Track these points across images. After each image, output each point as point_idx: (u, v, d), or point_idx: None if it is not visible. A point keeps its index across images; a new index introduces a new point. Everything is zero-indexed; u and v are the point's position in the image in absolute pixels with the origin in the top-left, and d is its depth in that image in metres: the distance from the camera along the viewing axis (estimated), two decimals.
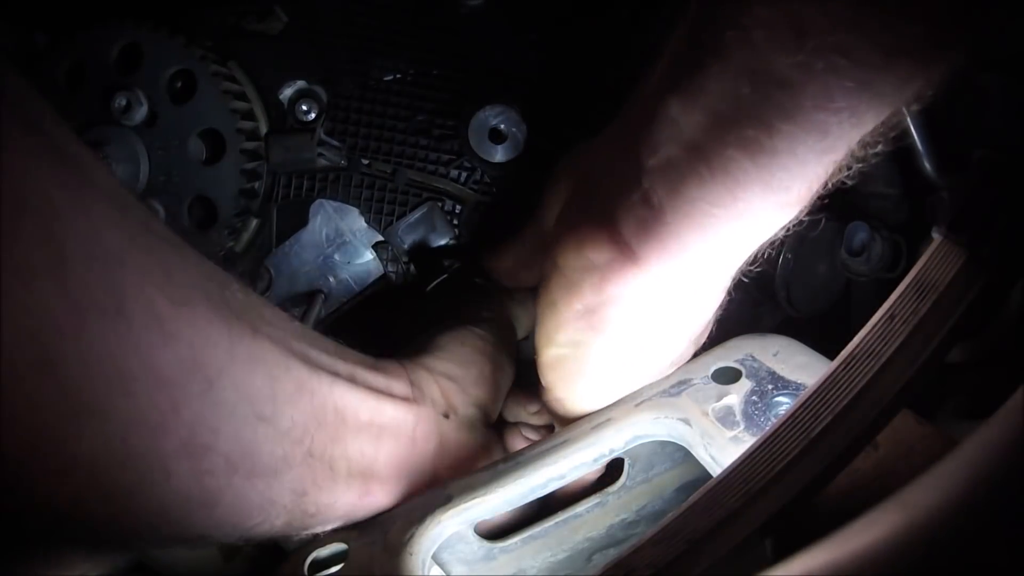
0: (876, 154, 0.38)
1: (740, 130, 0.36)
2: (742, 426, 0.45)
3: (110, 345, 0.32)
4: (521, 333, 0.63)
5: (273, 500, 0.41)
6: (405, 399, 0.51)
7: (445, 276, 0.62)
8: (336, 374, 0.47)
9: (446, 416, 0.54)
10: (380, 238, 0.63)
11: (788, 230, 0.42)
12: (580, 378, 0.49)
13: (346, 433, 0.46)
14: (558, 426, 0.54)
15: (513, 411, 0.61)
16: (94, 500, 0.34)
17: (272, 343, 0.42)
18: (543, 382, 0.52)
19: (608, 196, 0.43)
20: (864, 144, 0.38)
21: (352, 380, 0.48)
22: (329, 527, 0.48)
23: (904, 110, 0.52)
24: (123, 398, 0.33)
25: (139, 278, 0.34)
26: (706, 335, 0.51)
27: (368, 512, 0.49)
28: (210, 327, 0.37)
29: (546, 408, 0.54)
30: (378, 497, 0.49)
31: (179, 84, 0.59)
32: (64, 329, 0.30)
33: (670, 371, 0.51)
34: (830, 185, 0.39)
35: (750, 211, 0.39)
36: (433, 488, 0.50)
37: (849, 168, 0.39)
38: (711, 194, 0.39)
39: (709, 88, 0.37)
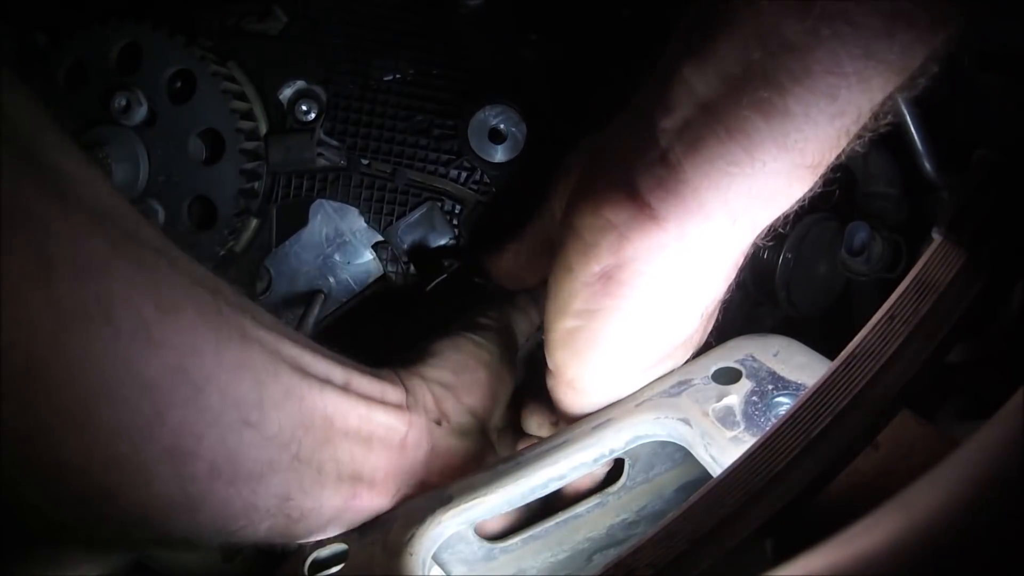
0: (888, 124, 0.40)
1: (753, 92, 0.38)
2: (742, 426, 0.45)
3: (96, 353, 0.32)
4: (521, 339, 0.63)
5: (256, 505, 0.41)
6: (398, 406, 0.51)
7: (445, 276, 0.62)
8: (327, 380, 0.47)
9: (438, 423, 0.54)
10: (380, 238, 0.63)
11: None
12: (593, 353, 0.48)
13: (335, 437, 0.46)
14: (565, 424, 0.54)
15: (530, 423, 0.59)
16: (76, 504, 0.34)
17: (261, 348, 0.42)
18: (552, 366, 0.51)
19: (625, 158, 0.44)
20: (875, 114, 0.39)
21: (345, 387, 0.48)
22: (315, 536, 0.48)
23: (902, 105, 0.53)
24: (108, 405, 0.33)
25: (125, 286, 0.34)
26: (715, 315, 0.50)
27: (355, 518, 0.49)
28: (197, 333, 0.37)
29: (553, 399, 0.53)
30: (365, 502, 0.48)
31: (179, 84, 0.59)
32: (50, 337, 0.30)
33: (680, 355, 0.50)
34: (843, 156, 0.41)
35: (767, 171, 0.40)
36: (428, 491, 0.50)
37: (860, 138, 0.40)
38: (729, 153, 0.40)
39: (721, 52, 0.39)
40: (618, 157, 0.44)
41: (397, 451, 0.51)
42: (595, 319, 0.47)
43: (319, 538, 0.49)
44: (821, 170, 0.41)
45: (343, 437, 0.47)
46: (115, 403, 0.33)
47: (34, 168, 0.32)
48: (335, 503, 0.46)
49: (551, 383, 0.53)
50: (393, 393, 0.52)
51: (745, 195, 0.41)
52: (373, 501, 0.49)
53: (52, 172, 0.33)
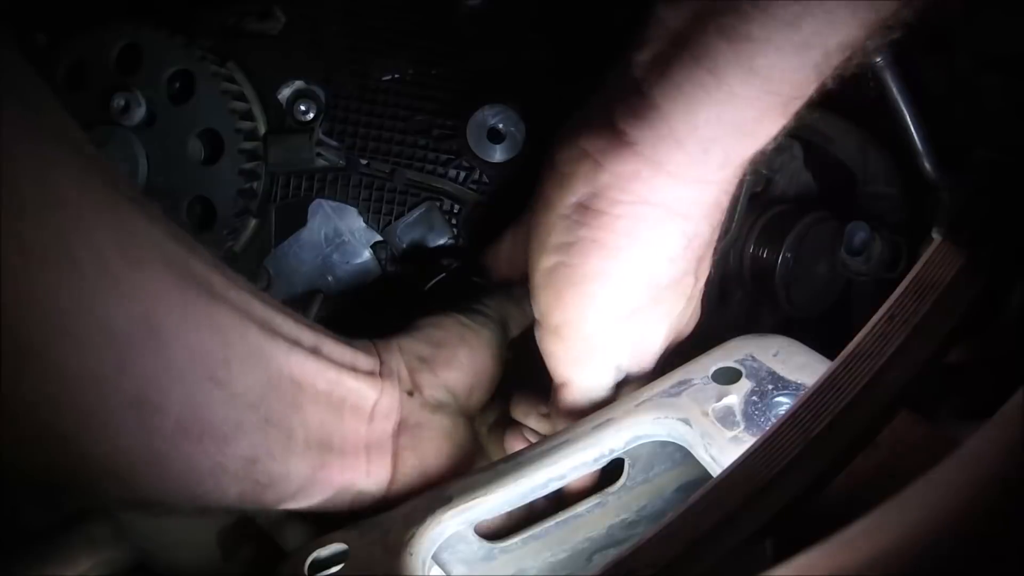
0: (869, 64, 0.41)
1: (718, 18, 0.39)
2: (742, 426, 0.45)
3: (57, 292, 0.32)
4: (515, 331, 0.61)
5: (224, 466, 0.41)
6: (369, 373, 0.51)
7: (444, 276, 0.62)
8: (296, 342, 0.46)
9: (410, 394, 0.53)
10: (379, 238, 0.63)
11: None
12: (575, 292, 0.47)
13: (303, 401, 0.46)
14: (560, 399, 0.53)
15: (521, 410, 0.59)
16: (33, 445, 0.35)
17: (231, 307, 0.42)
18: (537, 315, 0.51)
19: (600, 95, 0.46)
20: (848, 56, 0.40)
21: (315, 350, 0.48)
22: (286, 505, 0.47)
23: (902, 105, 0.53)
24: (71, 347, 0.33)
25: (89, 226, 0.34)
26: (707, 262, 0.50)
27: (323, 491, 0.48)
28: (165, 288, 0.38)
29: (544, 356, 0.53)
30: (334, 473, 0.48)
31: (178, 84, 0.59)
32: (10, 270, 0.31)
33: (672, 300, 0.49)
34: (821, 91, 0.41)
35: (735, 99, 0.41)
36: (432, 488, 0.50)
37: (840, 77, 0.41)
38: (696, 78, 0.41)
39: None
40: (597, 96, 0.46)
41: (366, 420, 0.50)
42: (574, 253, 0.46)
43: (291, 508, 0.48)
44: (793, 107, 0.42)
45: (312, 402, 0.46)
46: (78, 347, 0.33)
47: (12, 102, 0.32)
48: (303, 471, 0.46)
49: (539, 336, 0.52)
50: (365, 360, 0.52)
51: (715, 122, 0.42)
52: (343, 473, 0.49)
53: (31, 111, 0.34)
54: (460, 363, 0.56)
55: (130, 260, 0.36)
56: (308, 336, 0.48)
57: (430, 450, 0.53)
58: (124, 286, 0.35)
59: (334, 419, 0.48)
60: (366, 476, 0.50)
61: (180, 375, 0.38)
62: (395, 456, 0.51)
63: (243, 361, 0.42)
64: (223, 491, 0.42)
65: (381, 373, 0.52)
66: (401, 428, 0.52)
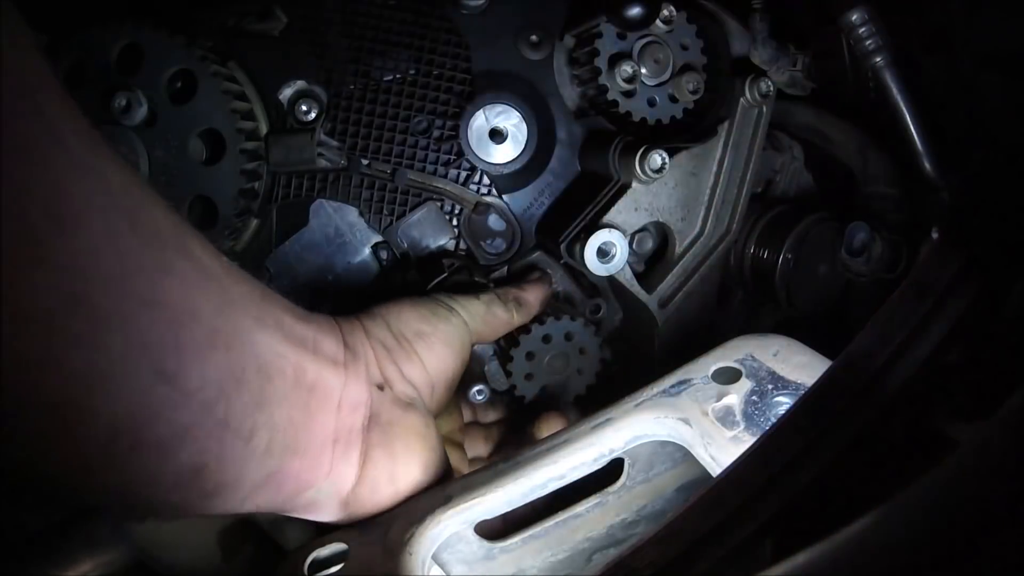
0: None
1: None
2: (742, 426, 0.45)
3: None
4: (495, 331, 0.60)
5: (163, 476, 0.35)
6: (333, 360, 0.46)
7: (445, 276, 0.62)
8: (259, 320, 0.40)
9: (380, 388, 0.49)
10: (380, 238, 0.63)
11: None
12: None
13: (271, 396, 0.40)
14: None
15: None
16: None
17: (181, 281, 0.35)
18: None
19: None
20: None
21: (279, 329, 0.42)
22: (226, 511, 0.42)
23: (902, 105, 0.52)
24: None
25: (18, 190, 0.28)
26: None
27: (275, 496, 0.43)
28: (100, 256, 0.31)
29: None
30: (290, 477, 0.43)
31: (179, 84, 0.59)
32: None
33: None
34: None
35: None
36: (431, 489, 0.50)
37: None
38: None
39: None
40: None
41: (334, 411, 0.45)
42: None
43: (231, 513, 0.44)
44: None
45: (280, 397, 0.41)
46: None
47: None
48: (257, 477, 0.41)
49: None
50: (328, 343, 0.47)
51: None
52: (302, 475, 0.44)
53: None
54: (420, 359, 0.52)
55: (55, 218, 0.28)
56: (270, 310, 0.42)
57: (401, 450, 0.49)
58: (46, 249, 0.28)
59: (302, 414, 0.43)
60: (326, 476, 0.46)
61: (116, 368, 0.31)
62: (364, 454, 0.47)
63: (198, 348, 0.35)
64: (158, 501, 0.37)
65: (345, 361, 0.48)
66: (371, 424, 0.48)
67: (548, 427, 0.59)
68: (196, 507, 0.40)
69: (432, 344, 0.53)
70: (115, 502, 0.37)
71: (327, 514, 0.48)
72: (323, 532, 0.49)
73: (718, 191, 0.65)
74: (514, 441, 0.62)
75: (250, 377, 0.39)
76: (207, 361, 0.36)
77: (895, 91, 0.56)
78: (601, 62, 0.61)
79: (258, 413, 0.39)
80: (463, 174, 0.63)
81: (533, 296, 0.62)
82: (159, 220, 0.35)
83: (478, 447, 0.63)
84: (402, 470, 0.49)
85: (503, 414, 0.67)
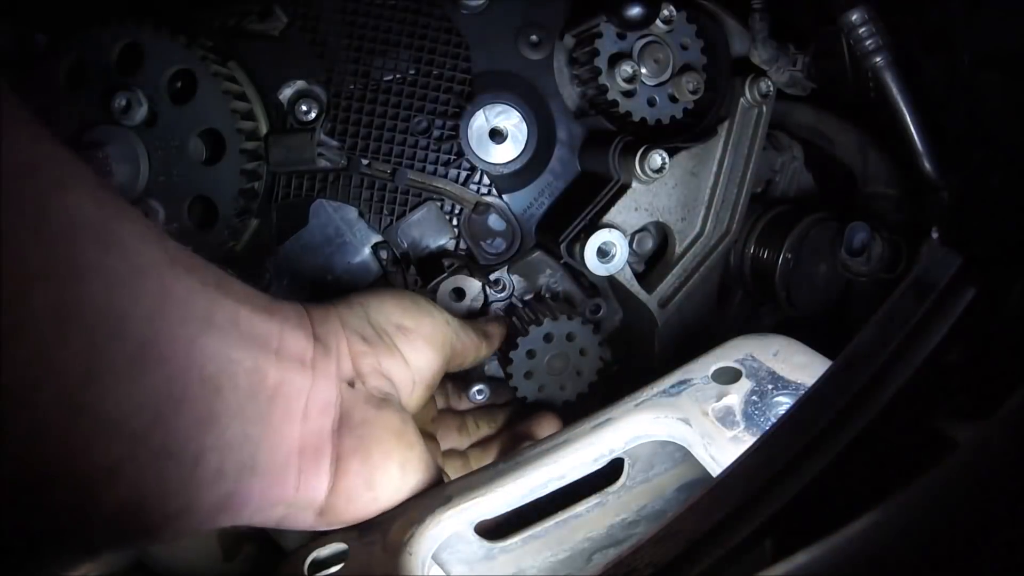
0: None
1: None
2: (742, 426, 0.45)
3: None
4: (468, 357, 0.57)
5: (88, 516, 0.30)
6: (299, 359, 0.42)
7: (445, 276, 0.62)
8: (208, 317, 0.34)
9: (351, 384, 0.45)
10: (379, 238, 0.63)
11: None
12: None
13: (222, 412, 0.35)
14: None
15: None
16: None
17: (104, 285, 0.28)
18: None
19: None
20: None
21: (233, 326, 0.36)
22: (189, 534, 0.37)
23: (902, 106, 0.52)
24: None
25: None
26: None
27: (237, 515, 0.38)
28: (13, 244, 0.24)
29: None
30: (251, 496, 0.38)
31: (179, 84, 0.59)
32: None
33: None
34: None
35: None
36: (430, 489, 0.49)
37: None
38: None
39: None
40: None
41: (299, 418, 0.41)
42: None
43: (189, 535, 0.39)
44: None
45: (234, 412, 0.35)
46: None
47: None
48: (209, 502, 0.35)
49: None
50: (294, 339, 0.42)
51: None
52: (265, 493, 0.39)
53: None
54: (402, 354, 0.49)
55: None
56: (222, 306, 0.36)
57: (378, 454, 0.45)
58: None
59: (259, 428, 0.37)
60: (295, 491, 0.41)
61: (25, 390, 0.25)
62: (336, 462, 0.43)
63: (130, 360, 0.29)
64: (95, 540, 0.32)
65: (314, 355, 0.43)
66: (342, 426, 0.44)
67: (541, 428, 0.58)
68: (144, 539, 0.36)
69: (414, 340, 0.50)
70: (42, 545, 0.31)
71: (302, 526, 0.44)
72: (323, 532, 0.49)
73: (718, 191, 0.65)
74: (508, 441, 0.62)
75: (193, 393, 0.33)
76: (135, 383, 0.29)
77: (895, 91, 0.56)
78: (601, 62, 0.61)
79: (204, 434, 0.34)
80: (463, 174, 0.63)
81: (496, 330, 0.61)
82: (72, 208, 0.28)
83: (451, 438, 0.61)
84: (380, 475, 0.45)
85: (502, 417, 0.66)
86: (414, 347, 0.50)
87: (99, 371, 0.28)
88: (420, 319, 0.51)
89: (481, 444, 0.62)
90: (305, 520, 0.44)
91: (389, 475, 0.46)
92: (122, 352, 0.29)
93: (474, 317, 0.62)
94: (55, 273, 0.26)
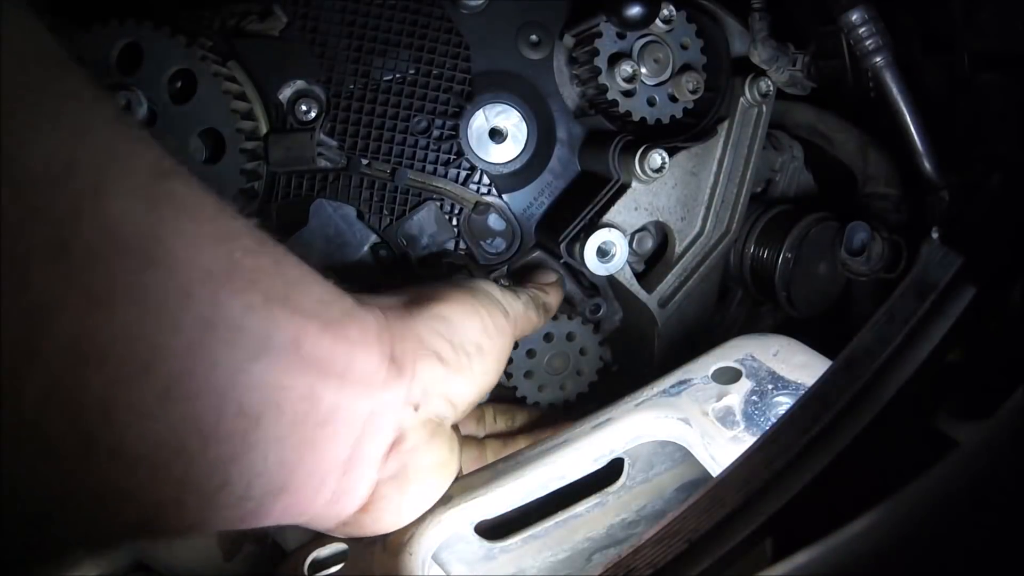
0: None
1: None
2: (742, 426, 0.45)
3: None
4: (535, 324, 0.56)
5: (100, 529, 0.29)
6: (366, 381, 0.38)
7: (445, 276, 0.62)
8: (263, 346, 0.30)
9: (415, 409, 0.42)
10: (379, 238, 0.63)
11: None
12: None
13: (259, 440, 0.31)
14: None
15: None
16: None
17: (123, 325, 0.24)
18: None
19: None
20: None
21: (292, 351, 0.32)
22: (199, 535, 0.36)
23: (902, 106, 0.52)
24: None
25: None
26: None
27: (255, 523, 0.36)
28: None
29: None
30: (272, 514, 0.35)
31: (179, 84, 0.59)
32: None
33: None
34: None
35: None
36: None
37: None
38: None
39: None
40: None
41: (348, 445, 0.38)
42: None
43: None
44: None
45: (271, 440, 0.32)
46: None
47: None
48: (227, 519, 0.33)
49: None
50: (366, 360, 0.38)
51: None
52: (286, 512, 0.36)
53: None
54: (474, 376, 0.46)
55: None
56: (285, 322, 0.32)
57: (415, 486, 0.43)
58: None
59: (300, 454, 0.34)
60: (324, 506, 0.39)
61: (32, 426, 0.23)
62: (375, 491, 0.41)
63: (145, 407, 0.26)
64: (101, 548, 0.31)
65: (386, 377, 0.39)
66: (391, 449, 0.41)
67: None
68: (151, 543, 0.34)
69: (488, 360, 0.47)
70: (48, 551, 0.30)
71: (318, 529, 0.43)
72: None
73: (718, 191, 0.65)
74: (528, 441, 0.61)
75: (226, 428, 0.30)
76: (159, 421, 0.27)
77: (895, 91, 0.56)
78: (601, 62, 0.61)
79: (232, 465, 0.31)
80: (463, 174, 0.63)
81: (555, 300, 0.59)
82: (111, 218, 0.25)
83: (470, 425, 0.60)
84: (411, 507, 0.44)
85: (520, 417, 0.65)
86: (486, 369, 0.47)
87: (119, 409, 0.25)
88: (495, 338, 0.48)
89: (501, 437, 0.60)
90: (324, 526, 0.42)
91: (420, 507, 0.45)
92: (150, 390, 0.26)
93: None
94: (74, 304, 0.24)
